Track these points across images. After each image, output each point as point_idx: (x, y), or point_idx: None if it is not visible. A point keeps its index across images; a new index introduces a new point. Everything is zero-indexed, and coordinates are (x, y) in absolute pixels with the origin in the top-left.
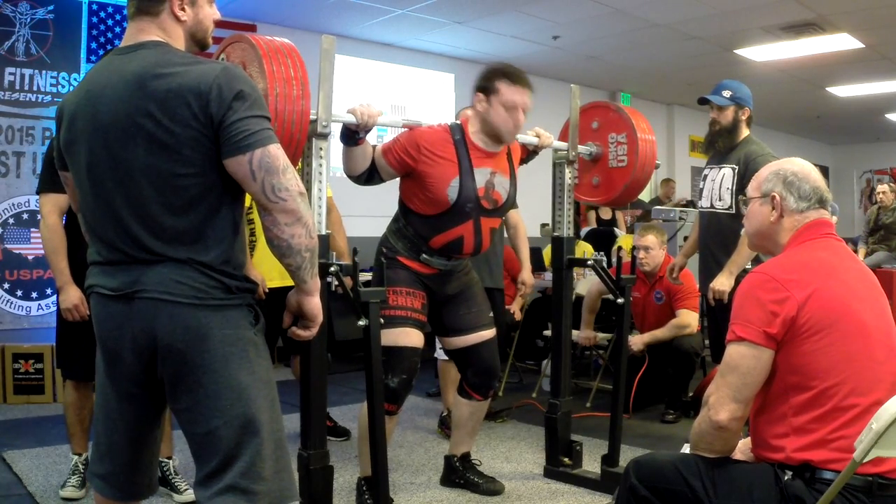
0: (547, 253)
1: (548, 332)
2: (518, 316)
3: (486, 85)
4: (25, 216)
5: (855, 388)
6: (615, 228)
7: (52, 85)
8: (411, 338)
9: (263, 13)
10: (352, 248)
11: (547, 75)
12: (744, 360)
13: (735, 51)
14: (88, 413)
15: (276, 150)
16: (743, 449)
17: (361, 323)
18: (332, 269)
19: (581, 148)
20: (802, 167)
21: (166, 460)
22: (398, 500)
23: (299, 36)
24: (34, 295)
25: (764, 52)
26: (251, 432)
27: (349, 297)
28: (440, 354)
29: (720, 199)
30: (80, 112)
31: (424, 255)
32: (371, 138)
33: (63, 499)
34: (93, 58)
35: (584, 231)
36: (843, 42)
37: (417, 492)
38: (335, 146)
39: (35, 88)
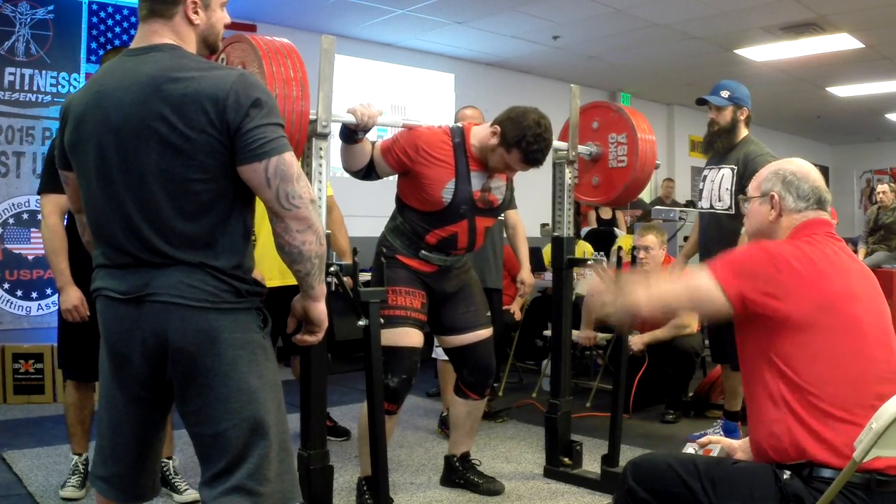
0: (547, 253)
1: (548, 332)
2: (518, 316)
3: (508, 134)
4: (25, 216)
5: (846, 385)
6: (615, 228)
7: (52, 85)
8: (411, 338)
9: (263, 13)
10: (352, 248)
11: (547, 75)
12: (703, 293)
13: (735, 51)
14: (89, 413)
15: (291, 158)
16: (743, 447)
17: (361, 323)
18: (332, 268)
19: (581, 148)
20: (802, 167)
21: (166, 460)
22: (398, 500)
23: (299, 36)
24: (34, 295)
25: (764, 52)
26: (260, 435)
27: (349, 297)
28: (440, 354)
29: (720, 200)
30: (89, 112)
31: (423, 252)
32: (370, 136)
33: (63, 499)
34: (93, 58)
35: (584, 231)
36: (843, 42)
37: (417, 492)
38: (335, 146)
39: (35, 88)
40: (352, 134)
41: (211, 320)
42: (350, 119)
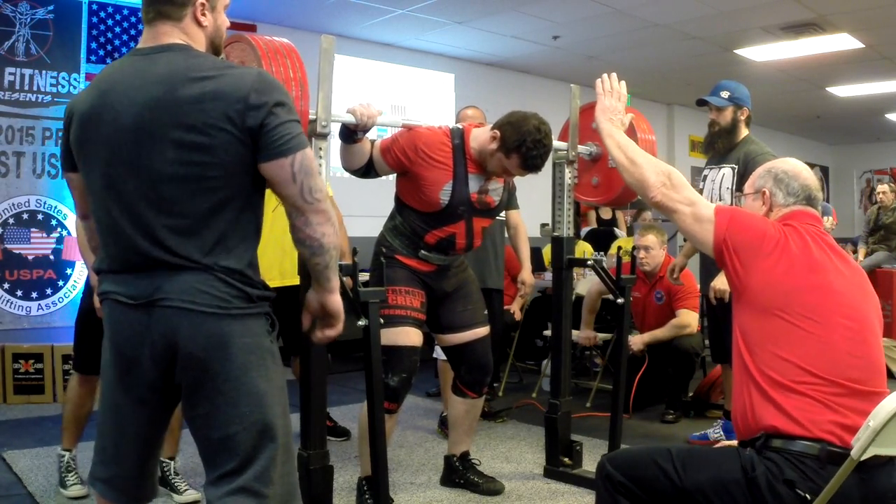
0: (547, 253)
1: (548, 332)
2: (518, 316)
3: (507, 139)
4: (25, 216)
5: (804, 371)
6: (615, 228)
7: (52, 85)
8: (410, 337)
9: (263, 13)
10: (352, 248)
11: (547, 75)
12: (701, 214)
13: (735, 51)
14: (87, 412)
15: (311, 153)
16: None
17: (361, 323)
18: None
19: (581, 148)
20: (794, 166)
21: (168, 461)
22: (398, 500)
23: (299, 36)
24: (34, 295)
25: (764, 52)
26: (268, 438)
27: (349, 297)
28: (440, 354)
29: (720, 199)
30: (96, 112)
31: (422, 252)
32: (370, 136)
33: (69, 498)
34: (93, 58)
35: (584, 231)
36: (843, 42)
37: (417, 492)
38: (335, 146)
39: (35, 88)
40: (351, 134)
41: (222, 326)
42: (350, 119)
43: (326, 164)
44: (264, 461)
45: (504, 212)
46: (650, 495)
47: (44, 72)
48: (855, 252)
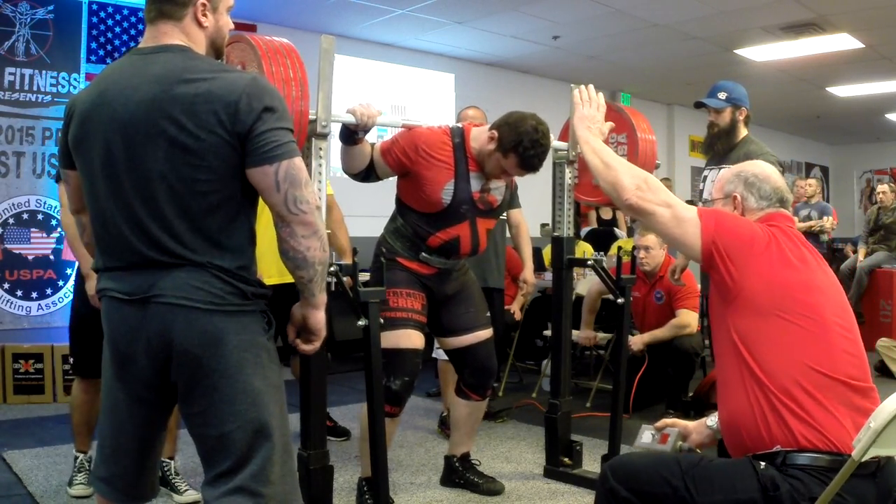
0: (547, 253)
1: (548, 332)
2: (518, 316)
3: (505, 139)
4: (25, 216)
5: (806, 370)
6: (615, 228)
7: (52, 85)
8: (412, 339)
9: (263, 13)
10: (353, 248)
11: (547, 75)
12: (683, 217)
13: (735, 51)
14: (96, 414)
15: (301, 163)
16: (698, 429)
17: (361, 323)
18: (332, 268)
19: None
20: (763, 169)
21: (168, 461)
22: (398, 500)
23: (299, 36)
24: (34, 295)
25: (764, 52)
26: (264, 436)
27: (349, 297)
28: (440, 354)
29: None
30: (95, 110)
31: (424, 255)
32: (371, 137)
33: (73, 497)
34: (93, 58)
35: (584, 231)
36: (843, 42)
37: (417, 492)
38: (335, 146)
39: (35, 88)
40: (351, 134)
41: (216, 322)
42: (350, 119)
43: (326, 164)
44: (261, 460)
45: (506, 211)
46: None
47: (44, 72)
48: (855, 252)
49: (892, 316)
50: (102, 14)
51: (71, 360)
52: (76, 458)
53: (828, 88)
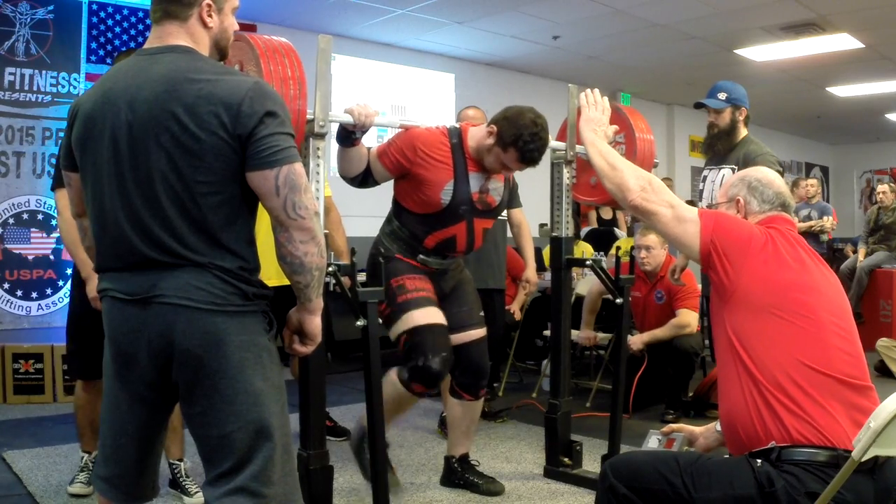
0: (547, 253)
1: (548, 332)
2: (518, 315)
3: (504, 134)
4: (25, 216)
5: (803, 368)
6: (615, 228)
7: (52, 85)
8: (436, 315)
9: (264, 13)
10: (350, 248)
11: (547, 75)
12: (684, 216)
13: (735, 51)
14: (99, 412)
15: (301, 169)
16: (705, 433)
17: (360, 323)
18: (330, 268)
19: (579, 148)
20: (766, 174)
21: (177, 462)
22: (398, 499)
23: (299, 36)
24: (34, 295)
25: (764, 52)
26: (264, 437)
27: (347, 297)
28: None
29: None
30: (99, 110)
31: (421, 256)
32: (371, 139)
33: (71, 495)
34: (93, 58)
35: (584, 231)
36: (843, 42)
37: (417, 492)
38: (333, 146)
39: (35, 88)
40: (349, 135)
41: (218, 323)
42: (347, 119)
43: (324, 164)
44: (261, 461)
45: (506, 210)
46: None
47: (44, 72)
48: (855, 252)
49: (892, 316)
50: (102, 14)
51: (65, 365)
52: (81, 457)
53: (828, 88)
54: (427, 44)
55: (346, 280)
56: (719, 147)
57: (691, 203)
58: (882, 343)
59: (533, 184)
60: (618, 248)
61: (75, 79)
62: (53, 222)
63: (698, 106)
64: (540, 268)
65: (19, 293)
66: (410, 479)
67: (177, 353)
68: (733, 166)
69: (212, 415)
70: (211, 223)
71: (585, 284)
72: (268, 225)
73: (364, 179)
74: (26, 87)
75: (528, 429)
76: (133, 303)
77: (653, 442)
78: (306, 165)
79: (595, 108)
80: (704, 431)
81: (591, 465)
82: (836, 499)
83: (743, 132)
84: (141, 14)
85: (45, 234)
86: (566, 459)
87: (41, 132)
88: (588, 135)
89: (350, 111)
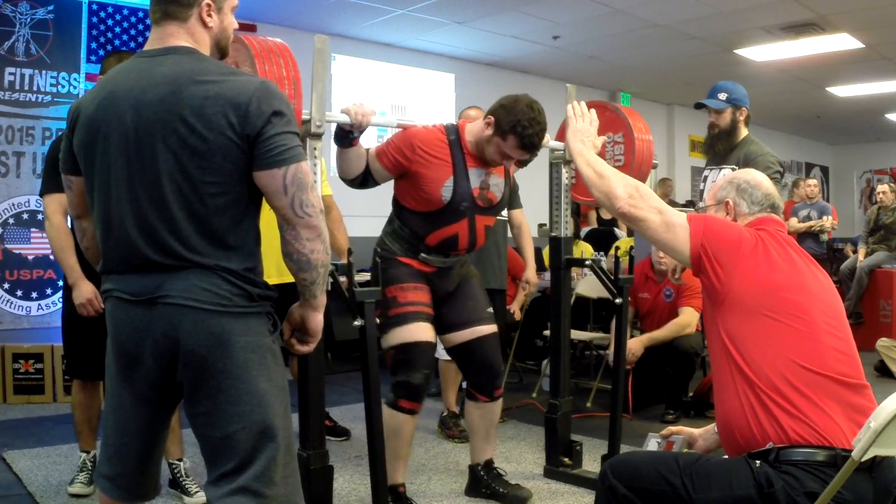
0: (547, 253)
1: (548, 332)
2: (518, 316)
3: (502, 121)
4: (25, 216)
5: (796, 369)
6: (615, 228)
7: (52, 85)
8: (427, 332)
9: (263, 13)
10: (347, 248)
11: (547, 75)
12: (673, 222)
13: (735, 51)
14: (96, 413)
15: (307, 168)
16: (704, 435)
17: (357, 323)
18: (329, 268)
19: None
20: (755, 176)
21: (177, 462)
22: None
23: (299, 36)
24: (34, 295)
25: (764, 52)
26: (268, 438)
27: (345, 298)
28: (441, 354)
29: None
30: (102, 113)
31: (423, 255)
32: (371, 139)
33: (71, 495)
34: (93, 58)
35: (584, 231)
36: (843, 42)
37: (417, 492)
38: (333, 146)
39: (35, 88)
40: (346, 136)
41: (223, 324)
42: (344, 119)
43: (322, 164)
44: (264, 461)
45: (507, 211)
46: None
47: (44, 72)
48: (855, 252)
49: (892, 316)
50: (102, 14)
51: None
52: (80, 456)
53: (828, 88)
54: (427, 44)
55: (343, 280)
56: (720, 147)
57: (691, 203)
58: (882, 343)
59: (533, 184)
60: (617, 248)
61: (75, 79)
62: None
63: (699, 106)
64: (540, 268)
65: (19, 293)
66: (410, 479)
67: (182, 353)
68: (734, 166)
69: (216, 415)
70: (218, 224)
71: (585, 285)
72: (266, 223)
73: (364, 180)
74: (26, 87)
75: (528, 429)
76: (138, 303)
77: (652, 445)
78: None
79: (582, 120)
80: (704, 433)
81: (591, 465)
82: (836, 498)
83: (743, 132)
84: (141, 14)
85: (44, 234)
86: (566, 459)
87: (41, 132)
88: (576, 145)
89: (347, 111)
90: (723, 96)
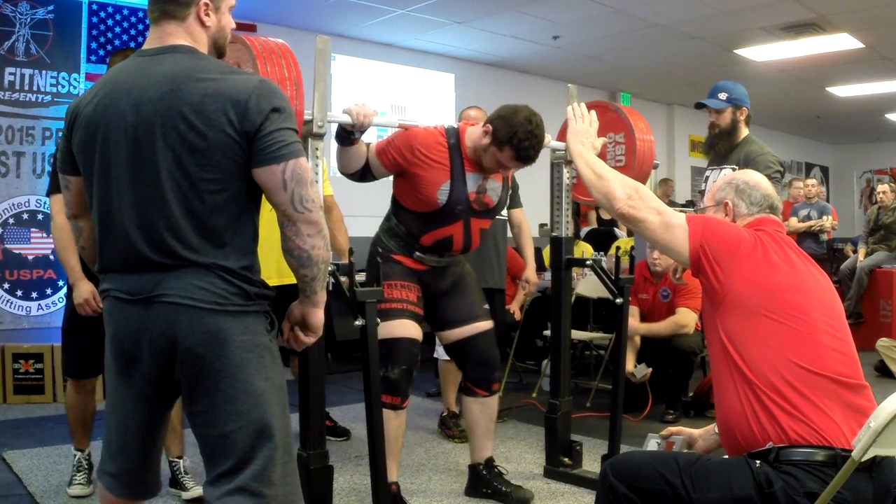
0: (547, 253)
1: (548, 332)
2: (518, 316)
3: (499, 132)
4: (25, 216)
5: (796, 369)
6: (615, 229)
7: (52, 85)
8: (408, 329)
9: (263, 13)
10: (348, 248)
11: (547, 75)
12: (672, 223)
13: (735, 51)
14: (91, 413)
15: (306, 163)
16: (704, 436)
17: (358, 323)
18: (329, 268)
19: None
20: (753, 177)
21: (176, 460)
22: None
23: (299, 36)
24: (34, 295)
25: (764, 52)
26: (265, 437)
27: (346, 297)
28: (441, 354)
29: None
30: (101, 112)
31: (418, 253)
32: (371, 137)
33: (71, 496)
34: (93, 58)
35: (584, 231)
36: (843, 42)
37: (417, 492)
38: (333, 144)
39: (35, 88)
40: (348, 135)
41: (220, 322)
42: (346, 119)
43: (324, 164)
44: (262, 461)
45: (507, 210)
46: None
47: (44, 72)
48: (855, 252)
49: (892, 316)
50: (102, 14)
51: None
52: (74, 455)
53: (828, 88)
54: (427, 44)
55: (344, 280)
56: (720, 147)
57: (691, 203)
58: (882, 343)
59: (533, 184)
60: (617, 248)
61: (75, 79)
62: None
63: (699, 106)
64: (540, 268)
65: (19, 293)
66: (410, 479)
67: (179, 351)
68: (734, 166)
69: (213, 414)
70: (216, 222)
71: (585, 285)
72: (266, 225)
73: (363, 175)
74: (26, 87)
75: (528, 429)
76: (135, 302)
77: (652, 445)
78: None
79: (582, 121)
80: (703, 433)
81: (591, 465)
82: (836, 498)
83: (744, 132)
84: (141, 14)
85: (45, 234)
86: (566, 459)
87: (41, 132)
88: (576, 146)
89: (348, 111)
90: (723, 96)
